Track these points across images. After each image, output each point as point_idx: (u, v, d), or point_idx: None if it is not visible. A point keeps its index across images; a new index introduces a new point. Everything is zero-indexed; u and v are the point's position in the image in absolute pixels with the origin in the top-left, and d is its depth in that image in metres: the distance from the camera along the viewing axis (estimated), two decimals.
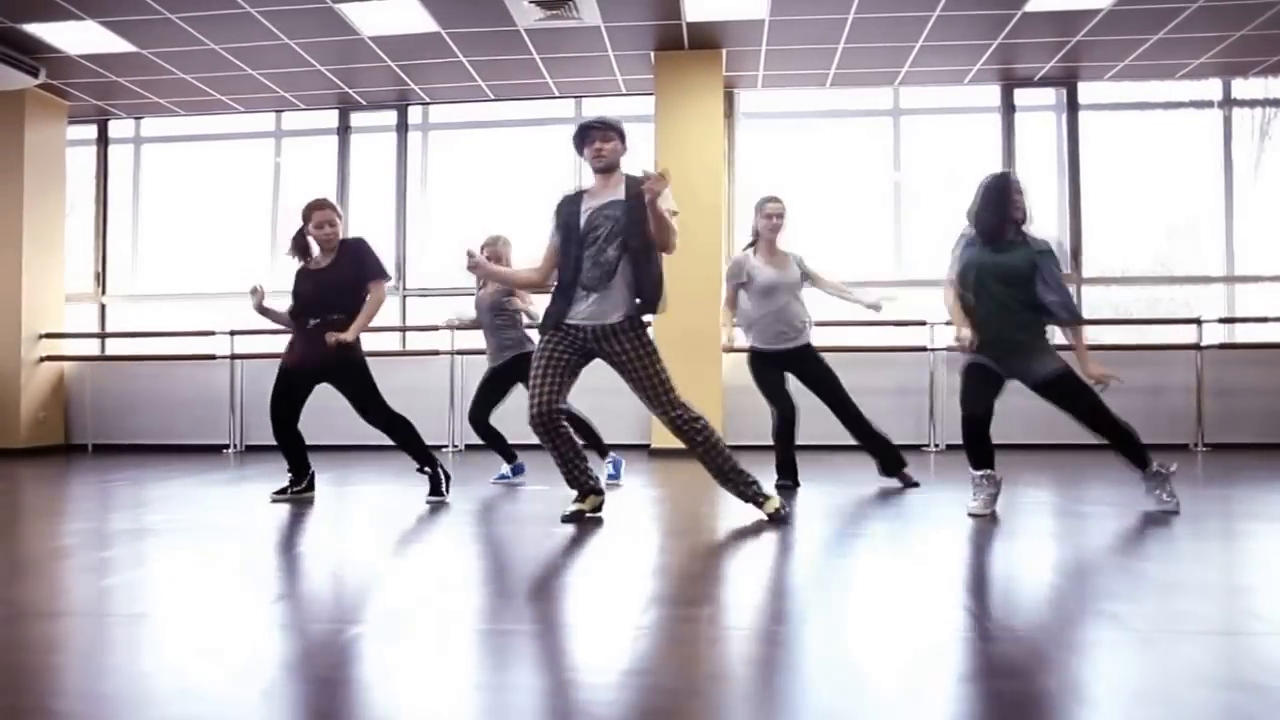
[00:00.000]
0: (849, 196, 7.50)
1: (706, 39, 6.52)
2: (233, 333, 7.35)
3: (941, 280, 3.70)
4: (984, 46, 6.56)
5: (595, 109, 7.65)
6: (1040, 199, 7.41)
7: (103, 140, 8.09)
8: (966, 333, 3.50)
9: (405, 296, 7.71)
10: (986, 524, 3.51)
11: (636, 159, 7.47)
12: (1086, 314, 7.33)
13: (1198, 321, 6.86)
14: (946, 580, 2.50)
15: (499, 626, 2.10)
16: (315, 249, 4.11)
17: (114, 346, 7.92)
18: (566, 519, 3.37)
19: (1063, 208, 7.37)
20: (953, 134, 7.37)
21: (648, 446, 6.64)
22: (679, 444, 3.71)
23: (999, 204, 3.50)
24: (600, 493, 3.51)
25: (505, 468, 4.83)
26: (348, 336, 3.93)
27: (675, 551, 2.99)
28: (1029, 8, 5.92)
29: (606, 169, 3.35)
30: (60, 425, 7.68)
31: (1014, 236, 3.53)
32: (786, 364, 4.41)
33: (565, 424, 3.42)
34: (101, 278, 8.09)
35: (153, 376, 7.56)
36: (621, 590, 2.44)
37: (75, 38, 6.23)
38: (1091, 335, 7.35)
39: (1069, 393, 3.55)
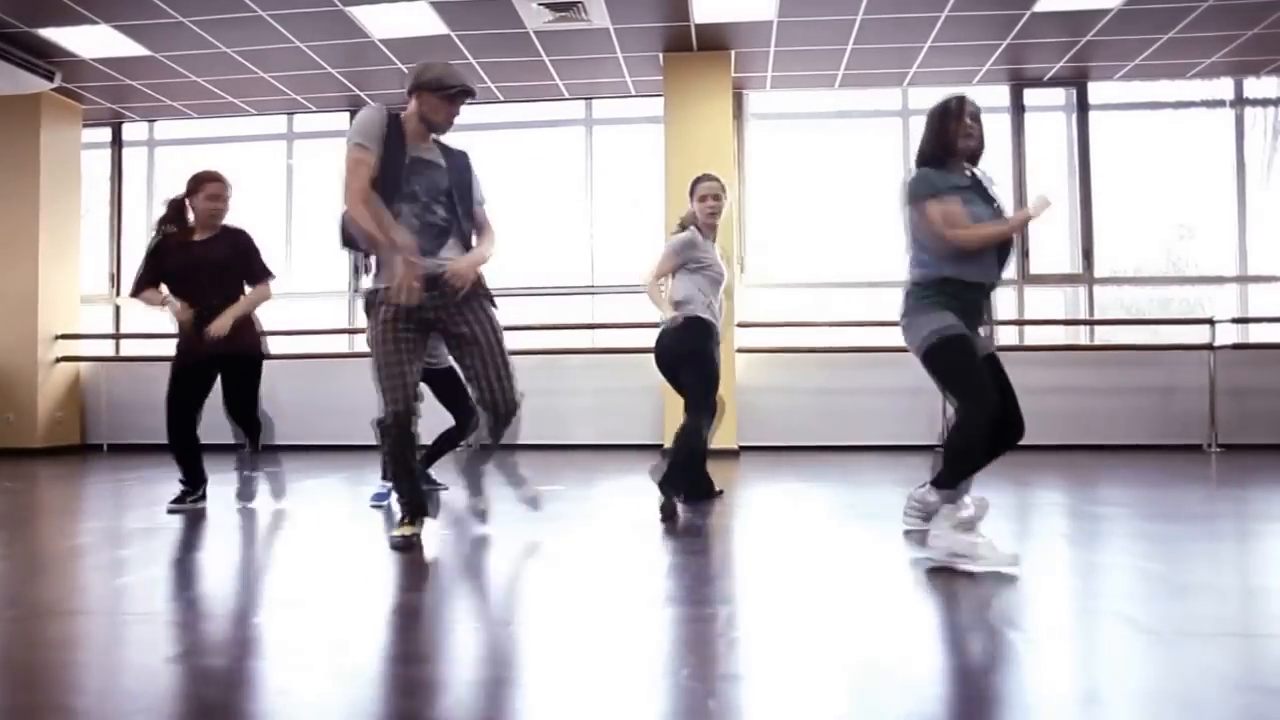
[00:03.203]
0: (858, 197, 7.50)
1: (715, 40, 6.53)
2: None
3: None
4: (993, 47, 6.55)
5: (605, 110, 7.68)
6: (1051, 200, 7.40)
7: (117, 143, 8.16)
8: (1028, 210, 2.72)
9: None
10: (999, 527, 3.50)
11: (647, 160, 7.51)
12: (1099, 314, 7.32)
13: (1210, 322, 6.83)
14: (960, 581, 2.50)
15: (513, 627, 2.11)
16: (192, 220, 3.89)
17: (129, 347, 7.98)
18: (399, 545, 2.97)
19: (1073, 208, 7.35)
20: None
21: (660, 447, 6.65)
22: None
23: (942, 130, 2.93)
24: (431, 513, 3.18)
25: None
26: (224, 325, 3.74)
27: (690, 551, 3.00)
28: (1038, 8, 5.90)
29: (439, 130, 3.04)
30: (76, 425, 7.74)
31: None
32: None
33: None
34: (116, 279, 8.16)
35: (166, 378, 7.62)
36: (636, 590, 2.45)
37: (89, 42, 6.29)
38: (1103, 335, 7.35)
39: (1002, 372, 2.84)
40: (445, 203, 3.03)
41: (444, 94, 2.95)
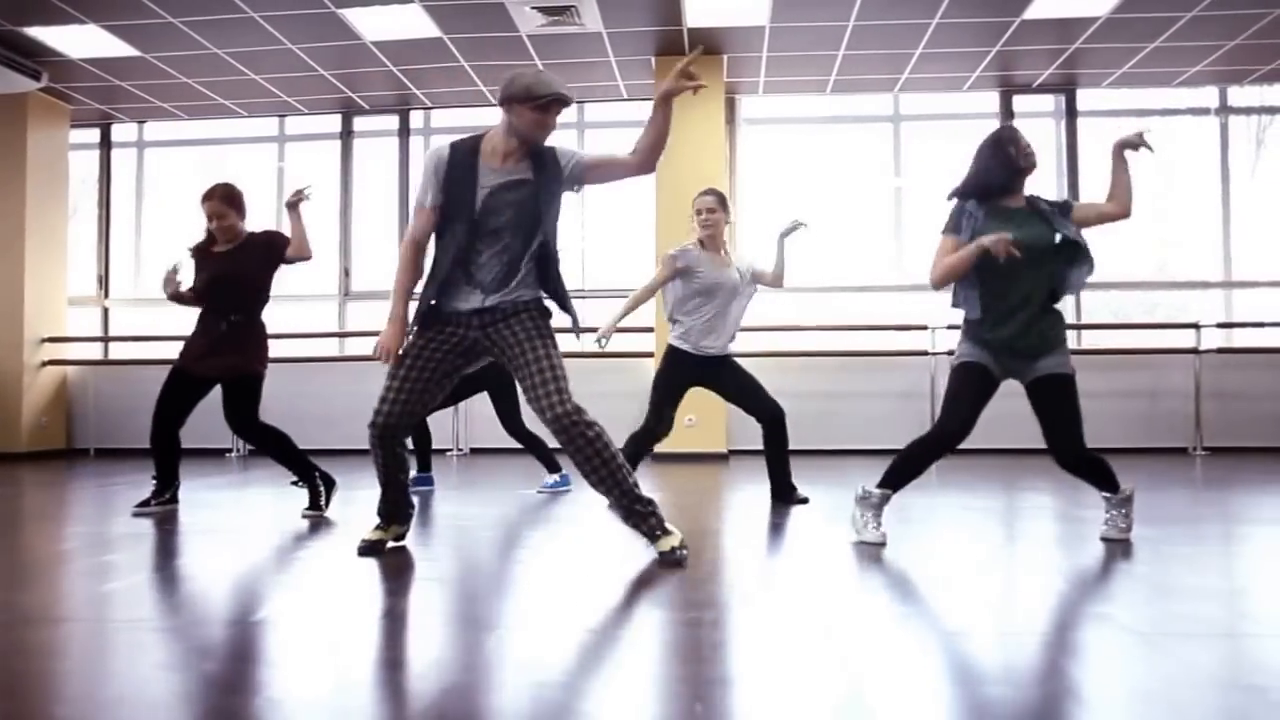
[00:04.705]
0: (850, 202, 7.53)
1: (707, 45, 6.52)
2: None
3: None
4: (983, 54, 6.60)
5: (597, 114, 7.69)
6: None
7: (105, 144, 8.11)
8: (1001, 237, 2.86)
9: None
10: (987, 529, 3.52)
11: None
12: (1085, 319, 7.36)
13: (1196, 326, 6.89)
14: (948, 584, 2.51)
15: (500, 631, 2.11)
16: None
17: (116, 350, 7.93)
18: (364, 550, 2.93)
19: None
20: (952, 140, 7.42)
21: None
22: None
23: (1004, 156, 3.07)
24: (407, 522, 3.09)
25: (550, 478, 4.62)
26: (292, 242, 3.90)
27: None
28: (1028, 15, 5.95)
29: (535, 143, 2.80)
30: (62, 429, 7.69)
31: (1018, 203, 3.08)
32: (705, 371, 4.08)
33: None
34: (104, 282, 8.11)
35: (155, 380, 7.42)
36: (623, 594, 2.46)
37: (78, 41, 6.26)
38: (1090, 340, 7.40)
39: (1065, 397, 3.09)
40: (527, 227, 2.80)
41: (535, 104, 2.70)
